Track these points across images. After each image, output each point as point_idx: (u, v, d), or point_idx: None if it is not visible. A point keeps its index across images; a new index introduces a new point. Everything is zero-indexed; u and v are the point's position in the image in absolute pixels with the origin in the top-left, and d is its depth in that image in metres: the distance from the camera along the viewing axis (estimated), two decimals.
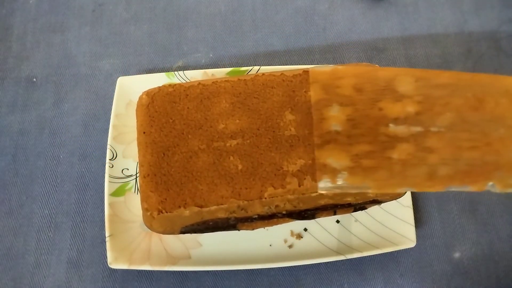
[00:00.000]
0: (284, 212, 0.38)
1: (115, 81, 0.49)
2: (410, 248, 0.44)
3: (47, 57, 0.55)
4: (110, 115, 0.47)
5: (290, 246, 0.45)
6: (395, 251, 0.44)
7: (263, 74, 0.40)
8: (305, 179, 0.35)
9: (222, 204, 0.34)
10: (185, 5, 0.58)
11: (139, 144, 0.37)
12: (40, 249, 0.46)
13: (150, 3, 0.58)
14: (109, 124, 0.47)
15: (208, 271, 0.45)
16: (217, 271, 0.45)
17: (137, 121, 0.38)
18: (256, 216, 0.37)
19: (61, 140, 0.51)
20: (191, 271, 0.45)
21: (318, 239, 0.45)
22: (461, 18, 0.59)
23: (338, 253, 0.44)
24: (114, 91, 0.48)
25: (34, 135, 0.51)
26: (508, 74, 0.55)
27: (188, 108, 0.38)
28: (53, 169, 0.49)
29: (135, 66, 0.55)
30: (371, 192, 0.35)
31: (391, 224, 0.46)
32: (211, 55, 0.56)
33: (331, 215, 0.41)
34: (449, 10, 0.59)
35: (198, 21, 0.57)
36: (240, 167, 0.36)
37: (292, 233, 0.46)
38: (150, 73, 0.53)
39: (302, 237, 0.46)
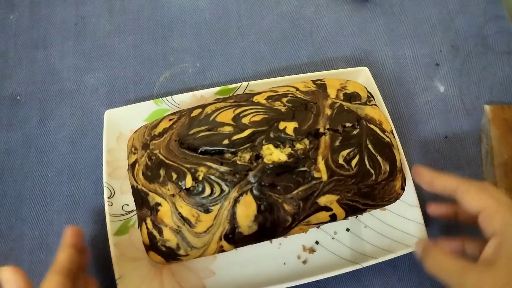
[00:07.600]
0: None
1: (101, 96, 0.48)
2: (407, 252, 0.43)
3: (30, 73, 0.54)
4: (98, 131, 0.46)
5: (304, 262, 0.44)
6: None
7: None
8: None
9: None
10: (169, 15, 0.57)
11: None
12: (33, 271, 0.45)
13: (134, 14, 0.57)
14: (97, 140, 0.46)
15: None
16: None
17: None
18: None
19: (49, 159, 0.50)
20: None
21: (331, 250, 0.45)
22: (447, 16, 0.59)
23: (353, 262, 0.43)
24: (100, 106, 0.48)
25: (21, 155, 0.50)
26: (497, 71, 0.56)
27: None
28: (42, 188, 0.48)
29: (121, 79, 0.54)
30: None
31: (401, 226, 0.45)
32: (198, 65, 0.55)
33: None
34: (434, 9, 0.59)
35: (184, 30, 0.57)
36: None
37: (304, 248, 0.45)
38: (136, 85, 0.53)
39: (314, 251, 0.45)
